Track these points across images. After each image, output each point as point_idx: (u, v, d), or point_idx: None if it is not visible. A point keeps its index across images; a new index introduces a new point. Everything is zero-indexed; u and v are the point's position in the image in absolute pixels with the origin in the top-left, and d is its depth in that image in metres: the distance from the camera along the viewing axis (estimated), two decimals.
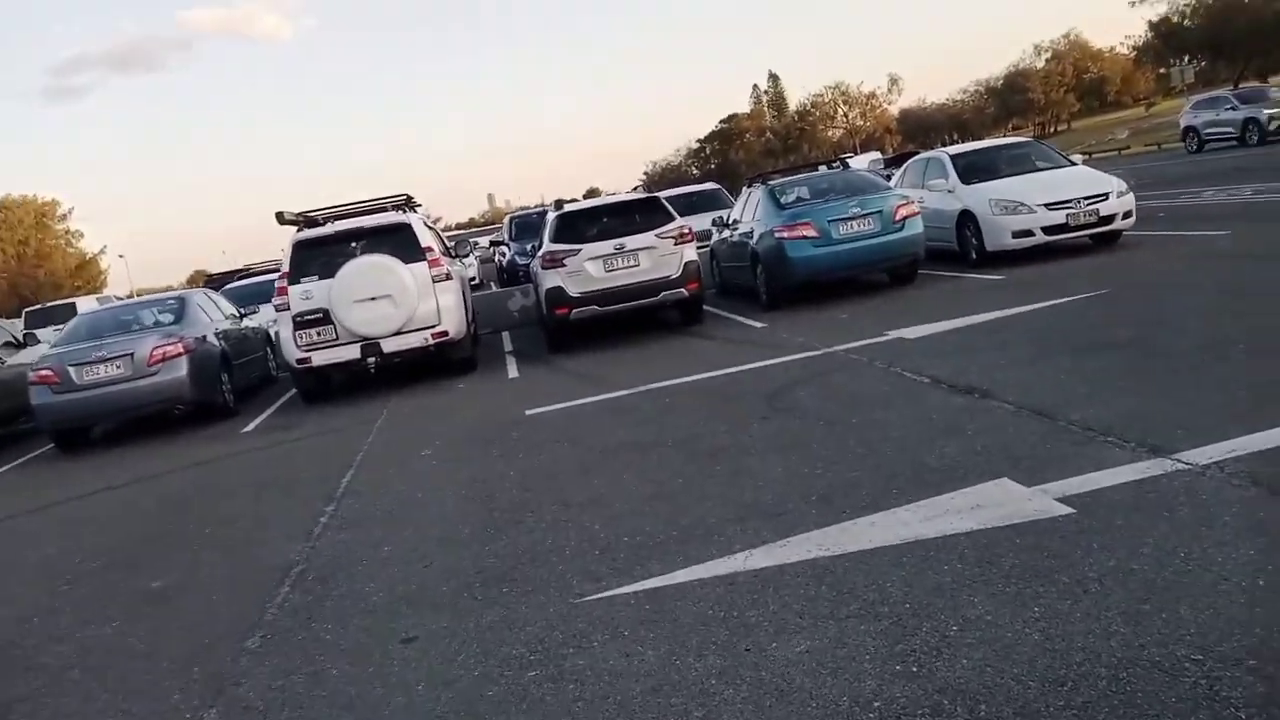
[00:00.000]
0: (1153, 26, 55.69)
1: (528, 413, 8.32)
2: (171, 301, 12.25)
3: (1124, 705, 2.61)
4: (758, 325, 11.08)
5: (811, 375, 7.77)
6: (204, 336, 11.46)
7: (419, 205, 12.09)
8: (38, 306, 28.43)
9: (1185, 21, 52.70)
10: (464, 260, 18.83)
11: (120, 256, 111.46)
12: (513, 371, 11.10)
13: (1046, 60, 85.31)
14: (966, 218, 12.61)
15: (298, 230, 11.02)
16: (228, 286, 18.57)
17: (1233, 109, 31.00)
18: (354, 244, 10.76)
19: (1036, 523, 3.94)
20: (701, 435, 6.43)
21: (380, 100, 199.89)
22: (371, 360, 10.70)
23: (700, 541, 4.45)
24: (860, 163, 29.64)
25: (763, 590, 3.78)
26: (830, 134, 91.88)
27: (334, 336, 10.58)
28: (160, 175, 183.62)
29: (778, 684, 3.05)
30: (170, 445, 10.25)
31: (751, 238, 12.54)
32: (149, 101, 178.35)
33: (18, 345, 12.95)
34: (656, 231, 11.44)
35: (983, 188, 12.65)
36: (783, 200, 12.56)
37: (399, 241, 10.70)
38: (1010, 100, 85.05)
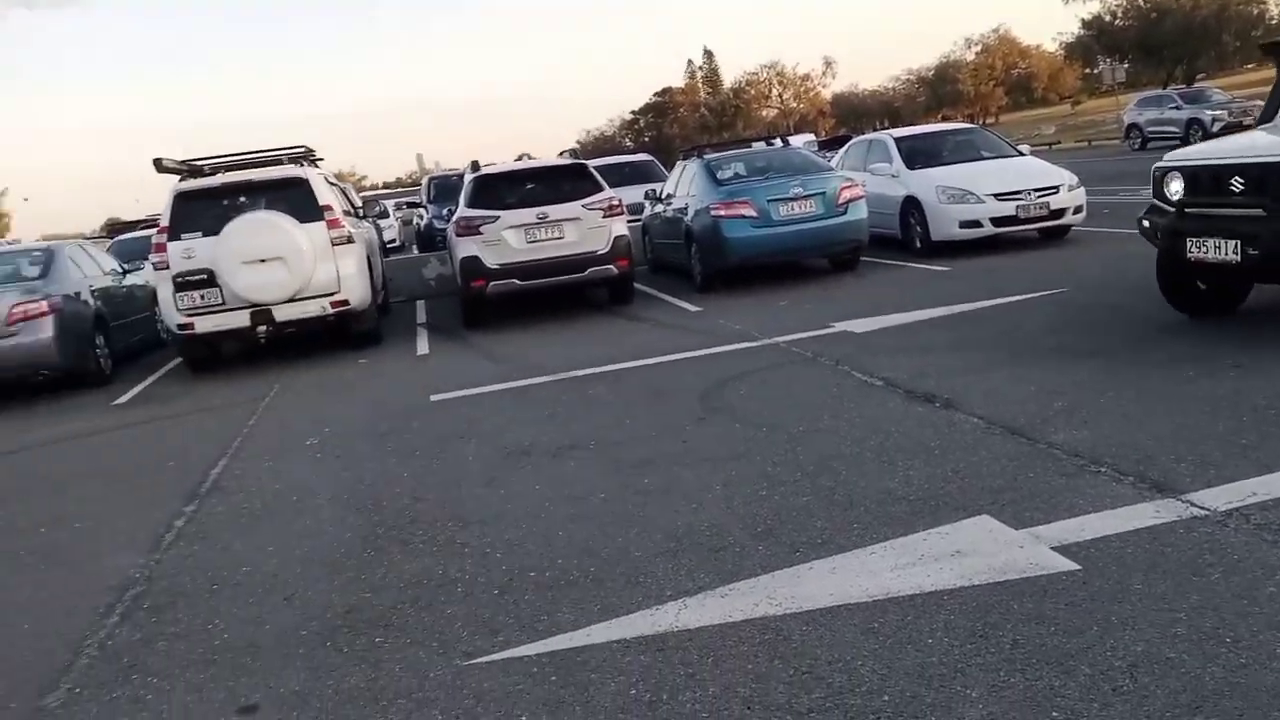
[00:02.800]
0: (1085, 24, 56.27)
1: (433, 399, 7.41)
2: (38, 254, 10.94)
3: None
4: (691, 309, 10.30)
5: (751, 369, 7.02)
6: (75, 294, 10.24)
7: (320, 159, 10.97)
8: None
9: (1117, 20, 53.30)
10: (379, 222, 17.71)
11: (25, 199, 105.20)
12: (423, 347, 10.14)
13: (976, 53, 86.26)
14: (911, 204, 12.04)
15: (180, 180, 9.85)
16: (118, 239, 17.12)
17: (1177, 108, 31.18)
18: (243, 199, 9.62)
19: (1034, 581, 3.23)
20: (627, 438, 5.62)
21: (307, 50, 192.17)
22: (262, 329, 9.63)
23: (623, 582, 3.65)
24: (795, 143, 28.99)
25: (700, 661, 3.00)
26: (764, 113, 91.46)
27: (220, 301, 9.46)
28: (68, 117, 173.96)
29: None
30: (32, 418, 9.06)
31: (686, 214, 11.75)
32: (54, 37, 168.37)
33: None
34: (584, 202, 10.55)
35: (929, 174, 12.10)
36: (720, 176, 11.78)
37: (294, 198, 9.59)
38: (941, 90, 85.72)
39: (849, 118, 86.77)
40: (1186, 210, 6.25)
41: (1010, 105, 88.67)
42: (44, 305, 9.58)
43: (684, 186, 12.35)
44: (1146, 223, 6.63)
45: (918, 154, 12.75)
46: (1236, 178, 5.89)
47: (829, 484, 4.43)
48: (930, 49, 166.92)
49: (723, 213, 10.89)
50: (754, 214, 10.82)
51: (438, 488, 5.17)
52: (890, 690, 2.71)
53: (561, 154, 13.21)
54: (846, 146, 15.53)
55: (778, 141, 13.94)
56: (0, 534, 5.45)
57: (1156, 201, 6.55)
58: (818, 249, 11.28)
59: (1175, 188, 6.35)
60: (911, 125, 24.50)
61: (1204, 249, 6.01)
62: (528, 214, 10.38)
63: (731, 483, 4.62)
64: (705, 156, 12.40)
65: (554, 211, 10.39)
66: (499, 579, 3.84)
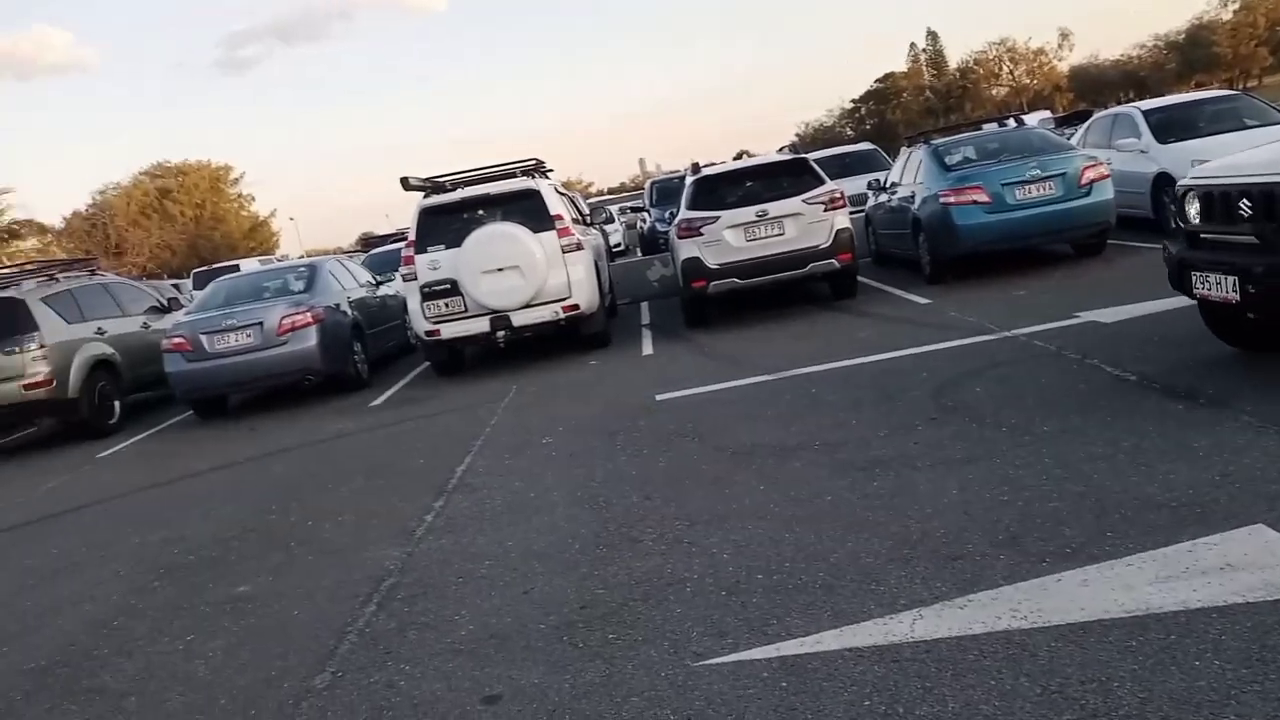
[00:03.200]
0: None
1: (659, 398, 7.55)
2: (303, 269, 12.04)
3: None
4: (920, 301, 9.94)
5: (987, 365, 6.68)
6: (335, 305, 11.20)
7: (550, 170, 11.42)
8: (203, 268, 29.36)
9: None
10: (606, 227, 18.25)
11: (290, 219, 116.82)
12: (648, 348, 10.35)
13: (1234, 11, 78.46)
14: (1164, 181, 11.07)
15: (424, 196, 10.54)
16: (372, 252, 18.58)
17: None
18: (480, 211, 10.19)
19: None
20: (854, 439, 5.49)
21: (534, 67, 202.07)
22: (501, 334, 10.15)
23: (853, 589, 3.57)
24: (1030, 121, 27.30)
25: (938, 675, 2.88)
26: (994, 92, 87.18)
27: (463, 309, 10.08)
28: (327, 141, 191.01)
29: None
30: (299, 418, 10.00)
31: (913, 202, 11.36)
32: (314, 70, 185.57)
33: (163, 309, 13.04)
34: (804, 196, 10.41)
35: (1184, 147, 11.07)
36: (949, 161, 11.30)
37: (527, 209, 10.07)
38: (1192, 55, 78.75)
39: (1088, 91, 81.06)
40: (1202, 237, 5.25)
41: (1276, 66, 80.00)
42: (309, 316, 10.53)
43: (910, 174, 11.96)
44: (1165, 252, 5.64)
45: (1170, 126, 11.75)
46: (1244, 200, 4.83)
47: (1079, 489, 4.14)
48: (1180, 10, 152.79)
49: (952, 199, 10.44)
50: (986, 199, 10.30)
51: (665, 486, 5.25)
52: (1152, 715, 2.49)
53: (781, 149, 13.11)
54: (1089, 123, 14.51)
55: (1011, 121, 13.21)
56: (276, 528, 6.03)
57: (1181, 225, 5.50)
58: (1058, 233, 10.58)
59: (1193, 211, 5.31)
60: (1160, 96, 22.56)
61: (1207, 285, 5.09)
62: (747, 212, 10.37)
63: (969, 486, 4.41)
64: (932, 142, 11.94)
65: (774, 208, 10.33)
66: (727, 580, 3.85)
